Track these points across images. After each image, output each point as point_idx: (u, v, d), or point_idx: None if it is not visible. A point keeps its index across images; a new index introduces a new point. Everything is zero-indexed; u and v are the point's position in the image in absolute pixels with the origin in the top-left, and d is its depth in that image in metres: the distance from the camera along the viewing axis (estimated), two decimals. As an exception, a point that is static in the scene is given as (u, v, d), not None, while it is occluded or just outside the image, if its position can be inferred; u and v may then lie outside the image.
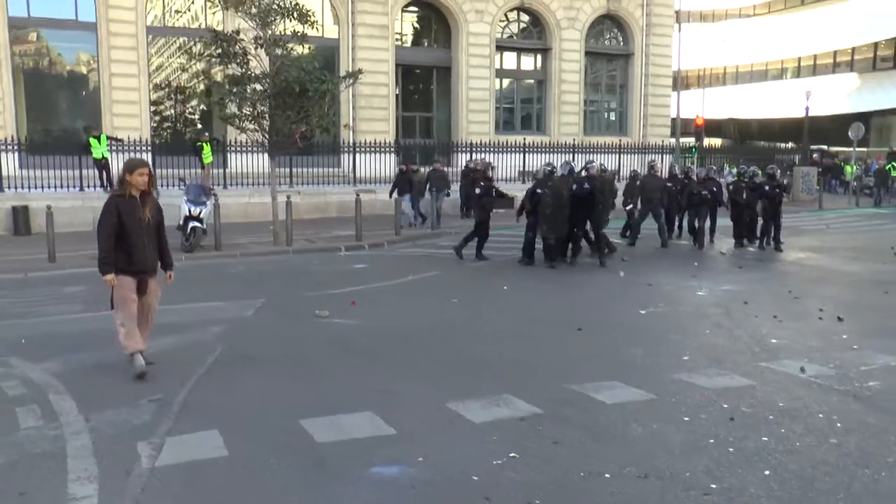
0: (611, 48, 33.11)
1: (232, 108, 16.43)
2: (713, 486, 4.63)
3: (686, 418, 5.87)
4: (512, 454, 5.02)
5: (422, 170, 21.61)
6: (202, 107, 29.60)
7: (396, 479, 4.63)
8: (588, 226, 14.70)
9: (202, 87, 28.57)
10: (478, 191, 14.58)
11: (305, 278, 12.91)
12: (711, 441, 5.40)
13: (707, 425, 5.72)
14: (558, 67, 31.19)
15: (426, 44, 30.72)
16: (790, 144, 41.74)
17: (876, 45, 45.49)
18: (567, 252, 14.51)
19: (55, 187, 20.35)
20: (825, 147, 41.36)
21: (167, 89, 28.29)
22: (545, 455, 5.04)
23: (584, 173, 14.89)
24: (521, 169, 25.87)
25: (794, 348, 8.24)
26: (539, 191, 14.18)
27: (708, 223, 17.39)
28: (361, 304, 10.30)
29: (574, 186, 14.34)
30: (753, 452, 5.20)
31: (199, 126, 28.74)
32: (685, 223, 18.52)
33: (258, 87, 16.02)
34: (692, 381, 6.90)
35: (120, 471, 4.74)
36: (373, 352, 7.84)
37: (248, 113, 16.19)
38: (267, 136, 16.66)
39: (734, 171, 30.63)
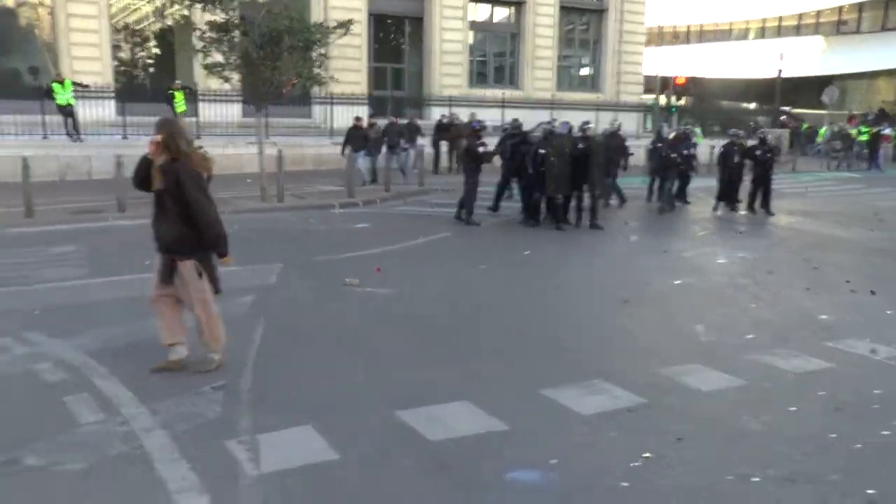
0: (584, 3, 32.50)
1: (216, 56, 15.49)
2: (869, 491, 4.33)
3: (792, 408, 5.57)
4: (645, 454, 4.64)
5: (378, 123, 20.70)
6: (157, 51, 28.30)
7: (542, 488, 4.19)
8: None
9: (157, 28, 27.26)
10: (481, 149, 13.95)
11: (310, 239, 12.31)
12: (833, 436, 5.10)
13: (817, 417, 5.43)
14: (532, 21, 30.53)
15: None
16: (752, 105, 41.99)
17: (840, 9, 45.82)
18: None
19: (15, 134, 19.14)
20: (788, 108, 41.62)
21: (123, 32, 26.84)
22: (678, 455, 4.68)
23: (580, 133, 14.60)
24: (500, 125, 25.32)
25: (846, 325, 8.03)
26: (542, 150, 13.76)
27: (677, 185, 17.25)
28: (384, 269, 9.77)
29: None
30: (885, 449, 4.93)
31: (152, 70, 27.53)
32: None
33: (245, 35, 15.10)
34: (772, 363, 6.61)
35: (224, 479, 4.20)
36: (429, 327, 7.36)
37: (234, 62, 15.30)
38: (252, 87, 15.85)
39: (697, 130, 30.70)
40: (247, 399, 5.38)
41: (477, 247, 11.98)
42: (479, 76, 30.61)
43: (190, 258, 5.75)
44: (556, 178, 13.51)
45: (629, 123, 25.59)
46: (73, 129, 19.51)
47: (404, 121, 21.50)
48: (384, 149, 19.61)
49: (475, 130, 14.58)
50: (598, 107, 28.05)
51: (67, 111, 19.53)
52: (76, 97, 19.87)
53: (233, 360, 6.07)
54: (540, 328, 7.55)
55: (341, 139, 19.55)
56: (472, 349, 6.72)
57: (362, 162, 18.78)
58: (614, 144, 17.63)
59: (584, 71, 33.64)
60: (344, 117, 22.75)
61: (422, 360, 6.35)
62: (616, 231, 13.90)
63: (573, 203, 14.15)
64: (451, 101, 24.98)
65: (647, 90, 33.79)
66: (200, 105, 21.73)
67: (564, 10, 31.52)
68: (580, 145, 13.99)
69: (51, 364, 6.09)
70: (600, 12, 32.47)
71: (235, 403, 5.29)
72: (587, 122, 15.49)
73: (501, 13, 31.29)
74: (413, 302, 8.30)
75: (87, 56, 23.43)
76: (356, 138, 18.75)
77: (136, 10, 28.19)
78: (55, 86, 19.47)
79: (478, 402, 5.35)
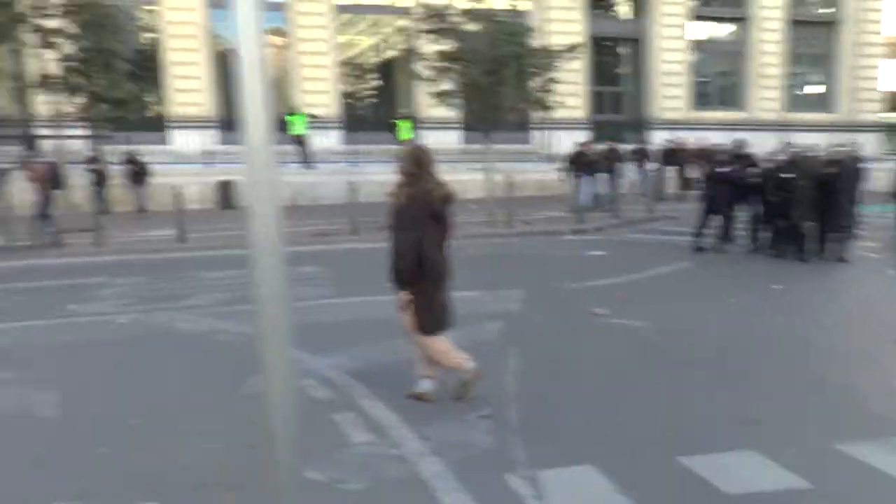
0: (816, 16, 30.39)
1: (444, 84, 15.91)
2: None
3: None
4: None
5: (598, 147, 20.33)
6: (379, 82, 29.54)
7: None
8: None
9: (377, 61, 28.42)
10: (727, 170, 13.14)
11: (547, 266, 12.20)
12: None
13: None
14: (757, 38, 28.97)
15: (614, 14, 29.27)
16: None
17: None
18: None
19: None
20: None
21: (347, 65, 28.35)
22: None
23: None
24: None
25: None
26: (787, 175, 12.79)
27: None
28: (631, 300, 9.37)
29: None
30: None
31: (374, 101, 28.69)
32: None
33: (472, 62, 15.40)
34: None
35: (512, 517, 4.04)
36: (689, 363, 6.85)
37: (463, 90, 15.64)
38: (477, 113, 16.13)
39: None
40: (517, 431, 5.20)
41: (721, 277, 11.28)
42: (700, 97, 29.36)
43: (400, 289, 5.57)
44: (804, 205, 12.49)
45: (868, 145, 23.45)
46: (305, 157, 20.73)
47: (627, 146, 21.07)
48: (606, 174, 19.25)
49: (714, 154, 13.95)
50: (832, 127, 26.03)
51: (300, 140, 20.81)
52: (309, 128, 21.20)
53: (493, 390, 5.93)
54: (811, 370, 6.82)
55: (562, 164, 19.43)
56: (741, 390, 6.15)
57: (585, 187, 18.50)
58: (850, 171, 16.13)
59: (815, 89, 31.35)
60: (563, 142, 22.64)
61: (690, 400, 5.90)
62: (869, 263, 12.60)
63: (816, 232, 12.99)
64: (671, 125, 24.16)
65: (891, 107, 30.93)
66: (421, 133, 22.42)
67: (794, 24, 29.60)
68: (830, 169, 12.90)
69: (315, 381, 6.26)
70: (832, 24, 30.22)
71: (506, 434, 5.13)
72: (839, 145, 14.29)
73: (723, 30, 29.96)
74: (667, 335, 7.82)
75: (316, 90, 24.95)
76: (579, 163, 18.51)
77: (358, 44, 29.72)
78: (288, 118, 20.83)
79: (765, 452, 4.83)
